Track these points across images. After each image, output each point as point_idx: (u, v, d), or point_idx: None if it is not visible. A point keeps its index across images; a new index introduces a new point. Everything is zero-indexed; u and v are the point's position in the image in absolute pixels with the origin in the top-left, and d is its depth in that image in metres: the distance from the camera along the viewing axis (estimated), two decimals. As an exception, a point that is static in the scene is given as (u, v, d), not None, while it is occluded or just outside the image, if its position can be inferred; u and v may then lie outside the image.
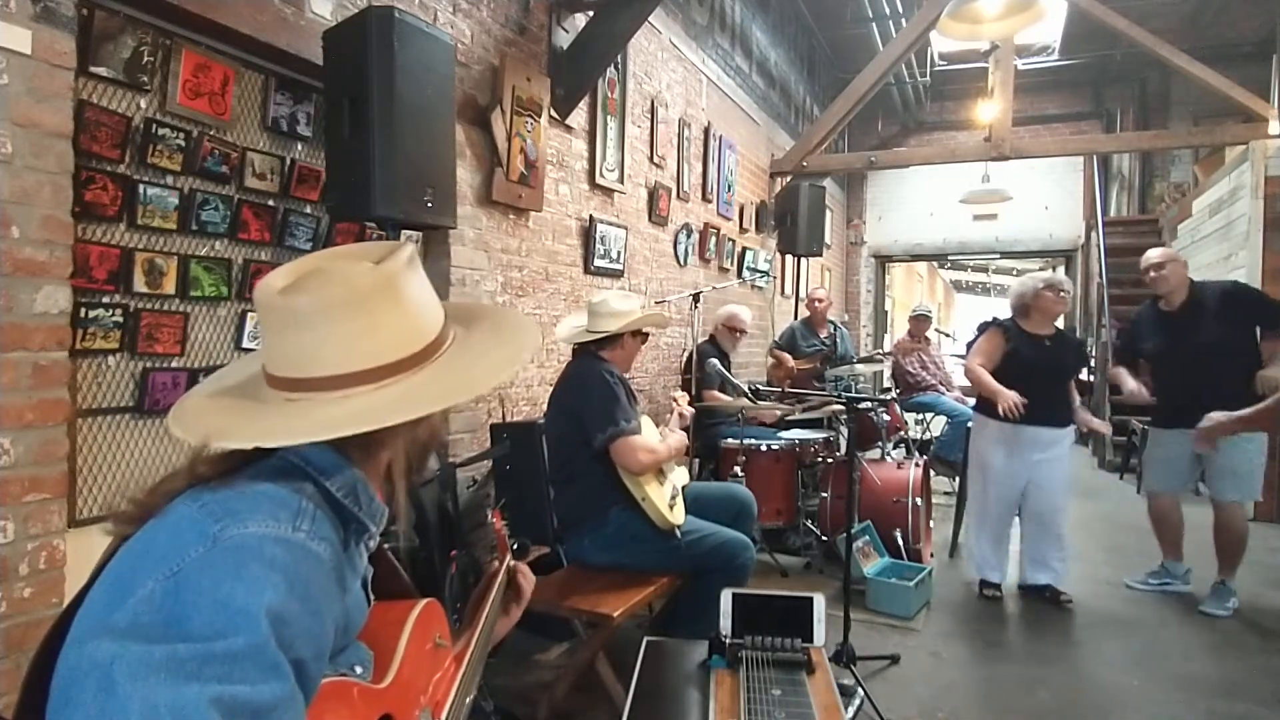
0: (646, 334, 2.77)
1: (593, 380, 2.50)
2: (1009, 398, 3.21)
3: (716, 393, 4.17)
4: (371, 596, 0.93)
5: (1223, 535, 3.42)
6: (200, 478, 0.74)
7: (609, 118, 4.24)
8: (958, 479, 4.79)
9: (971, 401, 5.47)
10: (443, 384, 0.83)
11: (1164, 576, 3.69)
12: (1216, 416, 2.81)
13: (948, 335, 7.19)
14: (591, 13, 3.87)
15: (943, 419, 5.88)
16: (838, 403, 3.82)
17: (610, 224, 4.30)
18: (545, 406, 2.82)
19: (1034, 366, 3.36)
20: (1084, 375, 6.54)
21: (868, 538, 3.65)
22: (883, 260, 10.62)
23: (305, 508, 0.74)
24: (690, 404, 2.89)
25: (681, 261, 5.27)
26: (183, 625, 0.61)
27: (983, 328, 3.62)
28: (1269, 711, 2.54)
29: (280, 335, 0.81)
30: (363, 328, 0.80)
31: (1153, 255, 3.56)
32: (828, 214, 7.76)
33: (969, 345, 3.70)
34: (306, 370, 0.80)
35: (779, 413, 4.26)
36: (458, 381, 0.84)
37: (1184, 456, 3.48)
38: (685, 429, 2.83)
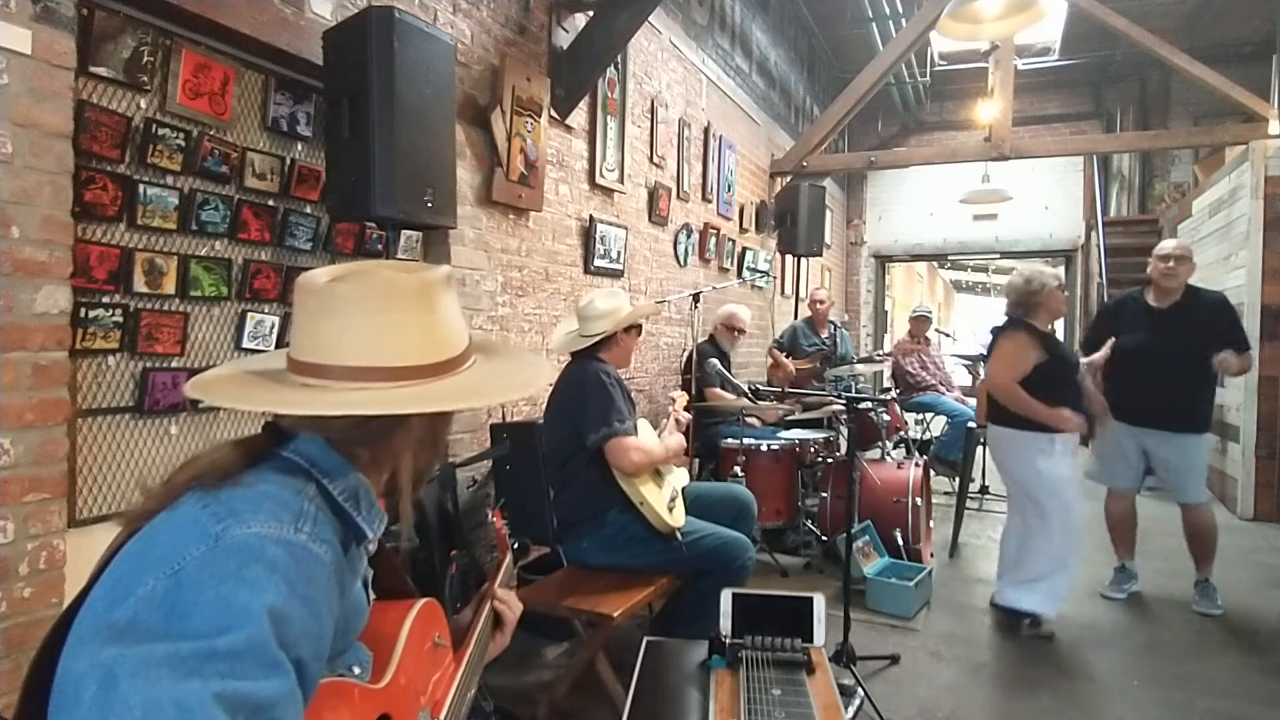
0: (640, 327, 2.76)
1: (588, 381, 2.49)
2: (1070, 417, 2.98)
3: (719, 390, 4.16)
4: (372, 596, 0.94)
5: (1199, 537, 3.42)
6: (207, 473, 0.75)
7: (609, 118, 4.24)
8: (958, 479, 4.79)
9: (972, 402, 5.49)
10: (458, 389, 0.86)
11: (1127, 579, 3.63)
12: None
13: (948, 335, 7.19)
14: (591, 13, 3.87)
15: (943, 419, 5.89)
16: (837, 403, 3.82)
17: (610, 224, 4.30)
18: (544, 407, 2.82)
19: (1066, 369, 3.13)
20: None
21: (868, 538, 3.65)
22: (883, 260, 10.60)
23: (307, 509, 0.75)
24: (689, 405, 2.88)
25: (681, 261, 5.27)
26: (184, 622, 0.62)
27: (998, 332, 3.19)
28: (1269, 711, 2.54)
29: (312, 319, 0.83)
30: (392, 324, 0.82)
31: (1170, 246, 3.40)
32: (828, 214, 7.75)
33: (986, 355, 3.34)
34: (329, 357, 0.81)
35: (780, 412, 4.25)
36: (472, 389, 0.87)
37: (1132, 451, 3.46)
38: (684, 433, 2.82)
